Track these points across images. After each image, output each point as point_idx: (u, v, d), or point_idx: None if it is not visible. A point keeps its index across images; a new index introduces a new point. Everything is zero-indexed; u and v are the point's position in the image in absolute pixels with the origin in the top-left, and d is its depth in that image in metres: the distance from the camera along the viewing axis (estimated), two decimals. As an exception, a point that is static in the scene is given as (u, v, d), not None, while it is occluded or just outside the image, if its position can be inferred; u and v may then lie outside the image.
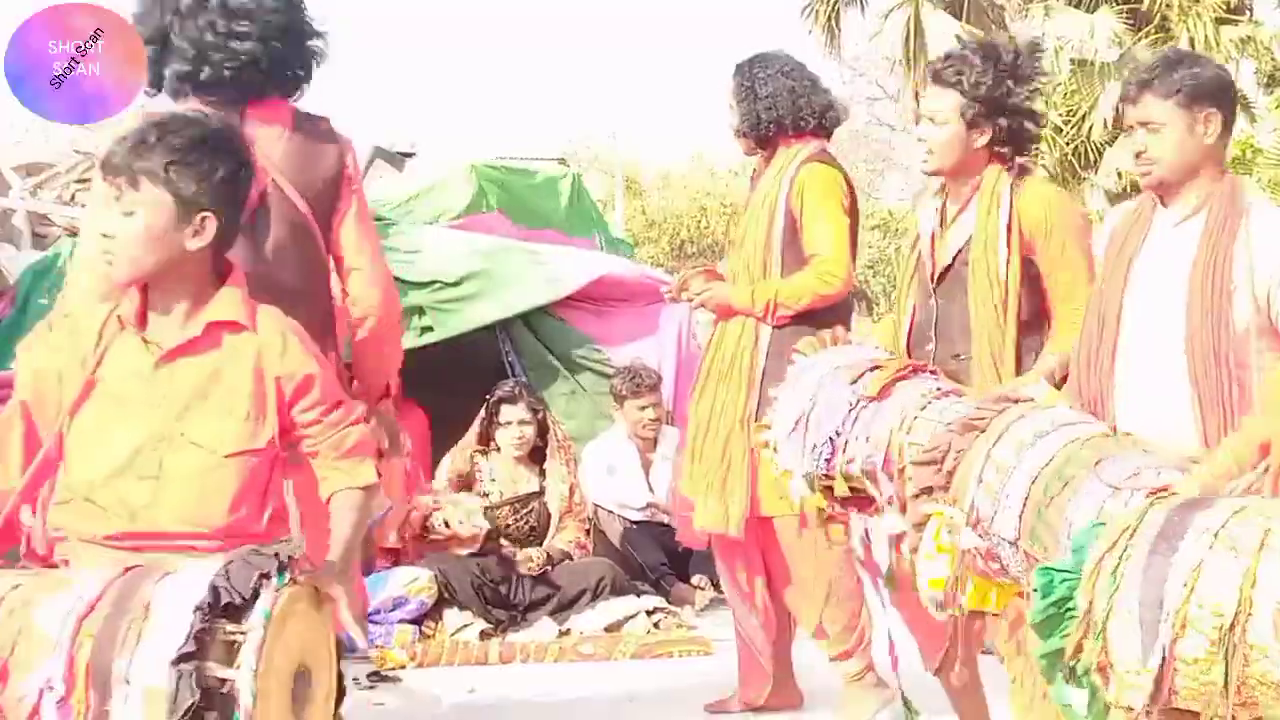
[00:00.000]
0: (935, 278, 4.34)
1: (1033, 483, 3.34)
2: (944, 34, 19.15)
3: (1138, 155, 3.54)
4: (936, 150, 4.24)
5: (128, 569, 2.68)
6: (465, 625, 6.54)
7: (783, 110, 5.16)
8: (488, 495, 7.00)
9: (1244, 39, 18.62)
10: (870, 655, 5.10)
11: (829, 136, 5.30)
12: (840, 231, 5.06)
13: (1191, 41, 18.52)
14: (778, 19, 52.24)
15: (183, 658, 2.50)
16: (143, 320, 2.94)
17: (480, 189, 8.68)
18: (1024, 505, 3.36)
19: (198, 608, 2.55)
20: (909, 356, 4.36)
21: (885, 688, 5.05)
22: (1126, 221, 3.66)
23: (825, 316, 5.00)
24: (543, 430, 7.13)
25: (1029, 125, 4.33)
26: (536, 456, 7.14)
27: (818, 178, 5.09)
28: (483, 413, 7.14)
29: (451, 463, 7.18)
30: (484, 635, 6.54)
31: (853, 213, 5.18)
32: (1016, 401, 3.59)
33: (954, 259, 4.32)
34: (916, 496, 3.65)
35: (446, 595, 6.61)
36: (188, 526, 2.90)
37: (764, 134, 5.20)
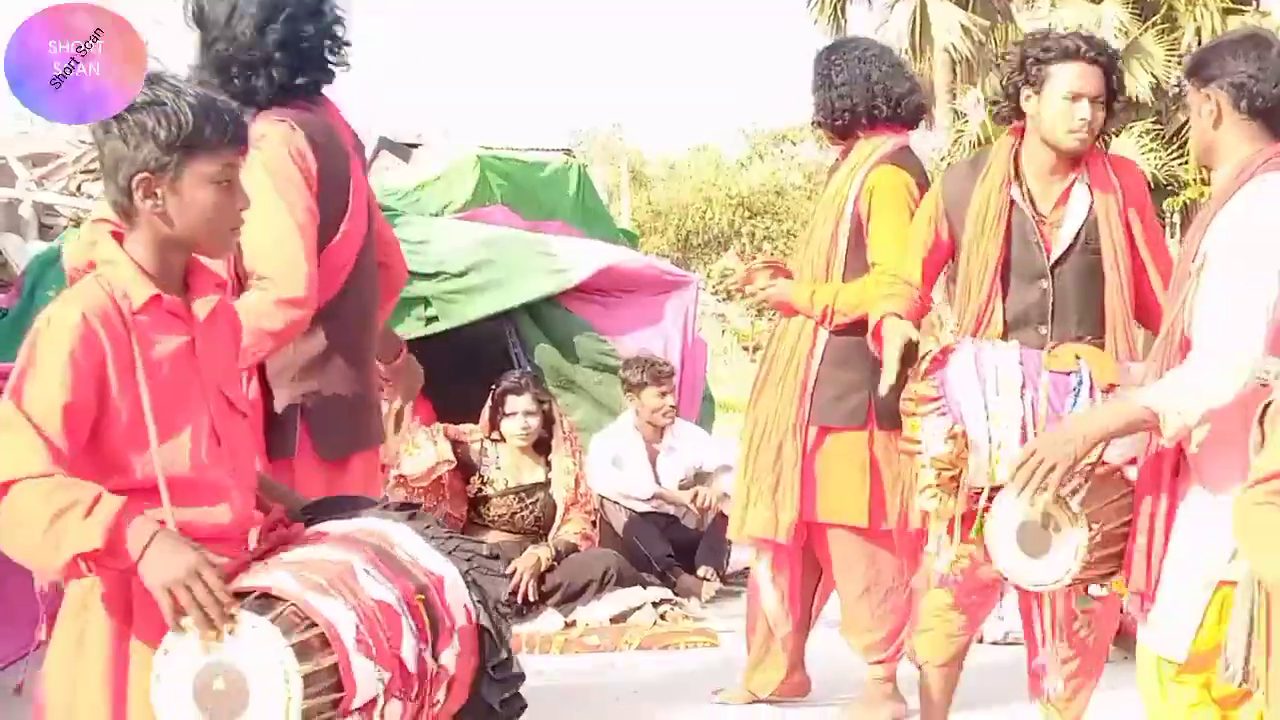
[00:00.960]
0: (1053, 260, 4.26)
1: None
2: (950, 25, 19.14)
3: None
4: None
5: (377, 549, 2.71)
6: (471, 617, 6.53)
7: (857, 98, 4.98)
8: (492, 482, 7.00)
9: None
10: (896, 666, 5.12)
11: (912, 126, 5.13)
12: (904, 242, 4.81)
13: (1198, 31, 18.49)
14: (784, 10, 52.21)
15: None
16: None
17: (485, 180, 8.69)
18: None
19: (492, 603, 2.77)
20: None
21: (901, 702, 5.08)
22: None
23: None
24: (548, 421, 7.12)
25: None
26: (542, 447, 7.13)
27: (887, 182, 4.92)
28: (489, 402, 7.15)
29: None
30: (490, 626, 6.53)
31: None
32: None
33: (1075, 240, 4.26)
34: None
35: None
36: (251, 496, 2.86)
37: (840, 124, 5.04)
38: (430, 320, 7.72)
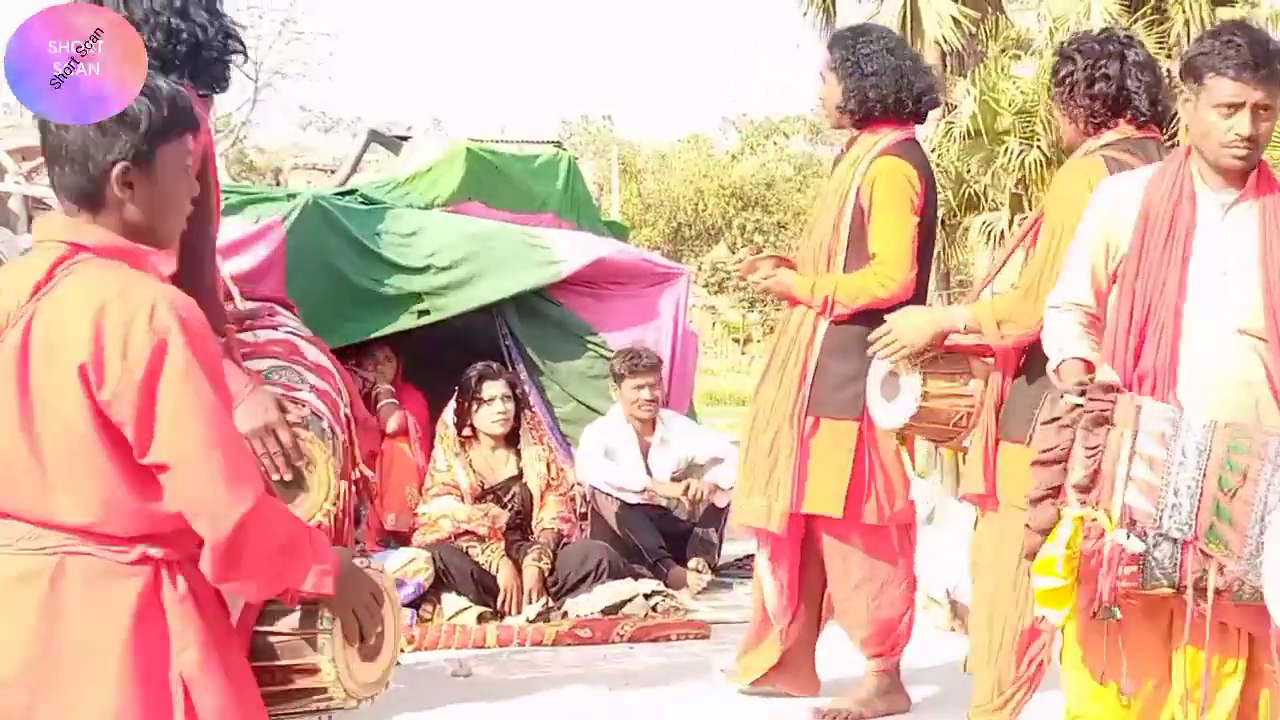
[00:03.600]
0: None
1: (1204, 477, 3.25)
2: (940, 17, 19.14)
3: (1248, 138, 3.42)
4: None
5: None
6: (463, 609, 6.55)
7: (887, 89, 4.98)
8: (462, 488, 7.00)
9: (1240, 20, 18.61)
10: (896, 660, 5.14)
11: (920, 121, 5.15)
12: (904, 234, 4.90)
13: (1187, 23, 18.50)
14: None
15: None
16: None
17: (474, 172, 8.67)
18: (1198, 502, 3.24)
19: None
20: None
21: (902, 696, 5.11)
22: (1167, 199, 3.54)
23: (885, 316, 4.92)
24: (519, 409, 7.15)
25: None
26: (512, 440, 7.14)
27: (888, 173, 4.93)
28: (456, 397, 7.12)
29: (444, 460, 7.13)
30: (481, 619, 6.55)
31: (924, 211, 4.99)
32: (1117, 389, 3.41)
33: None
34: (1040, 500, 3.42)
35: (444, 580, 6.62)
36: None
37: (869, 113, 5.02)
38: (422, 313, 7.72)
